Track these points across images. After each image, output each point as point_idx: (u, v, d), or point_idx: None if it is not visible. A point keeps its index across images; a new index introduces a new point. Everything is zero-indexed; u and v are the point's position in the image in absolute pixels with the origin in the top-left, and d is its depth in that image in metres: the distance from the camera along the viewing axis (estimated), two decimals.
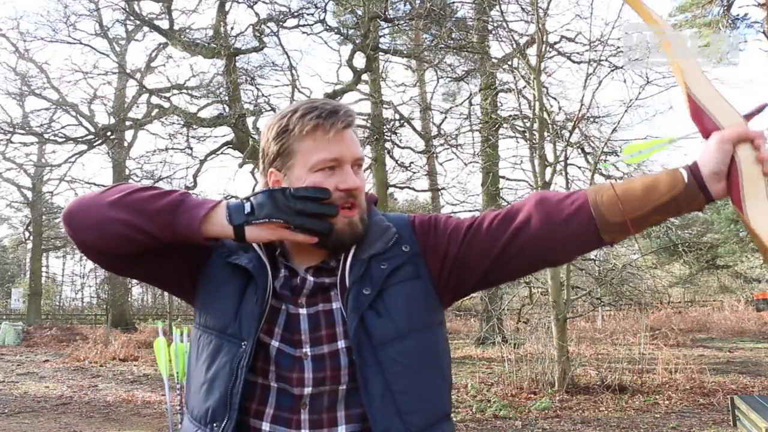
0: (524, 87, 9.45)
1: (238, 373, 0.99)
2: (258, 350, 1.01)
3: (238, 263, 1.05)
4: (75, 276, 40.37)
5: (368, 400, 0.97)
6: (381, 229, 1.10)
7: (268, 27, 13.17)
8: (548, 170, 8.21)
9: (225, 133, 14.15)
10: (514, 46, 9.20)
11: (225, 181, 75.56)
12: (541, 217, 1.02)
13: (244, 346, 1.00)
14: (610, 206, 0.98)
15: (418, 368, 1.01)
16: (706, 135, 0.87)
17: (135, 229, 0.99)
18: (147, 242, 1.01)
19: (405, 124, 13.40)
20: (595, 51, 8.74)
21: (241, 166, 13.10)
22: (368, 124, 12.91)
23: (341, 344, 1.01)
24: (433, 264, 1.08)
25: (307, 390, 0.99)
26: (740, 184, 0.85)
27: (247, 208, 0.99)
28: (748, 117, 0.85)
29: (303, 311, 1.04)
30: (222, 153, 14.03)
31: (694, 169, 0.92)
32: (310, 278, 1.05)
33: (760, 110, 0.87)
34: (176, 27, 13.72)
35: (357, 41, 12.72)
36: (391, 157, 14.02)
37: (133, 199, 1.00)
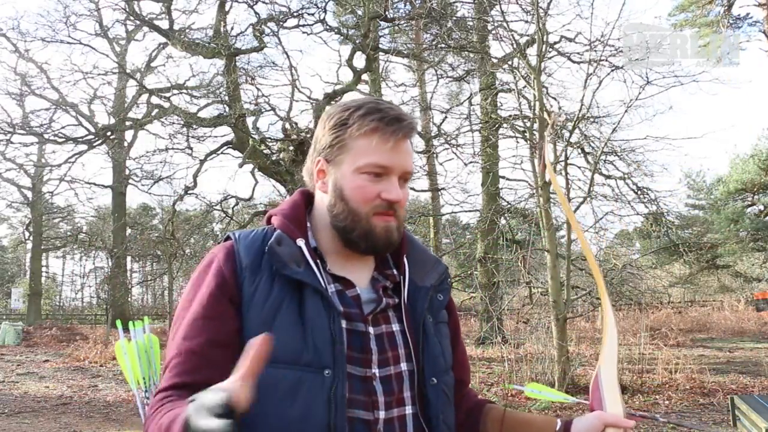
0: (524, 87, 9.44)
1: (337, 404, 0.91)
2: None
3: (301, 279, 0.97)
4: (75, 276, 40.44)
5: (435, 423, 0.99)
6: (432, 259, 1.14)
7: (268, 27, 13.16)
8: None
9: (225, 133, 14.13)
10: (514, 46, 9.19)
11: (225, 181, 75.68)
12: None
13: (328, 374, 0.92)
14: (491, 425, 1.12)
15: (452, 402, 1.06)
16: (591, 408, 1.03)
17: None
18: None
19: None
20: (595, 51, 8.74)
21: (241, 166, 13.06)
22: None
23: (404, 367, 1.00)
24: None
25: (381, 414, 0.95)
26: None
27: None
28: (629, 415, 1.01)
29: (372, 330, 1.00)
30: (222, 153, 13.99)
31: (567, 427, 1.04)
32: (384, 298, 1.03)
33: (641, 417, 1.07)
34: (176, 27, 13.71)
35: (357, 41, 12.71)
36: None
37: None
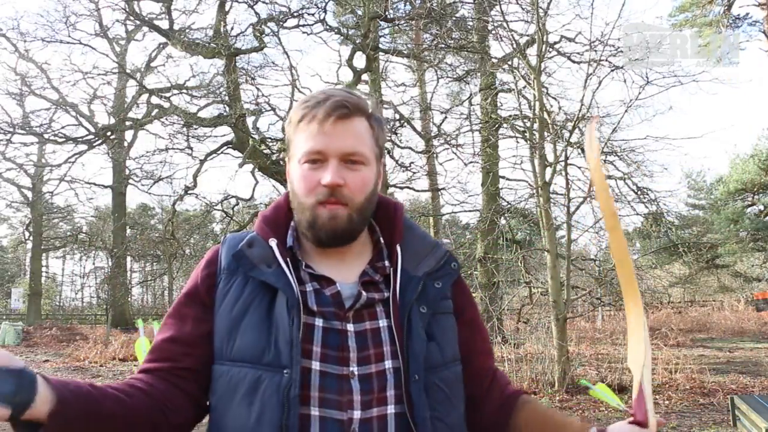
0: (524, 87, 9.44)
1: (290, 404, 0.90)
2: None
3: (265, 281, 0.98)
4: (75, 276, 40.45)
5: (420, 422, 0.94)
6: (430, 244, 1.08)
7: (268, 27, 13.17)
8: (548, 170, 8.21)
9: (225, 133, 14.14)
10: (514, 46, 9.19)
11: (225, 181, 75.78)
12: (488, 410, 1.09)
13: (287, 374, 0.91)
14: (525, 422, 1.07)
15: (452, 398, 1.01)
16: (634, 419, 0.96)
17: None
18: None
19: (405, 124, 13.40)
20: (595, 51, 8.74)
21: (241, 166, 13.06)
22: None
23: (388, 364, 0.96)
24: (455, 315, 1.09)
25: (356, 414, 0.92)
26: None
27: None
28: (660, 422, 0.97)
29: (351, 327, 0.97)
30: (222, 153, 14.00)
31: None
32: (364, 293, 0.99)
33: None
34: (176, 27, 13.72)
35: (357, 41, 12.72)
36: (392, 157, 14.02)
37: None
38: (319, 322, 0.96)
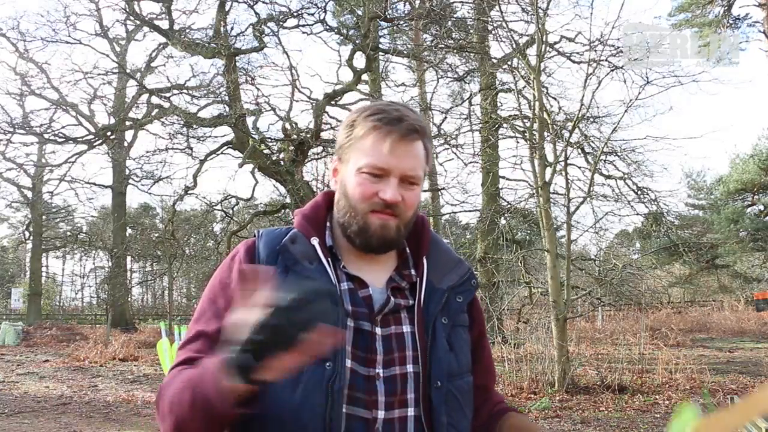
0: (524, 87, 9.44)
1: (334, 397, 0.92)
2: None
3: (309, 276, 1.00)
4: (75, 276, 40.43)
5: (438, 427, 0.98)
6: (454, 260, 1.13)
7: (268, 27, 13.17)
8: (548, 170, 8.21)
9: (225, 133, 14.15)
10: (514, 46, 9.19)
11: (225, 181, 75.72)
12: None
13: (329, 367, 0.93)
14: (507, 429, 1.11)
15: (464, 407, 1.05)
16: None
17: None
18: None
19: None
20: (595, 51, 8.74)
21: (241, 166, 13.06)
22: None
23: (410, 368, 1.00)
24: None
25: (380, 414, 0.96)
26: None
27: (244, 359, 0.79)
28: None
29: (378, 331, 1.01)
30: (222, 153, 14.00)
31: None
32: (393, 299, 1.03)
33: None
34: (176, 27, 13.71)
35: (357, 41, 12.72)
36: None
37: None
38: (350, 323, 0.99)
